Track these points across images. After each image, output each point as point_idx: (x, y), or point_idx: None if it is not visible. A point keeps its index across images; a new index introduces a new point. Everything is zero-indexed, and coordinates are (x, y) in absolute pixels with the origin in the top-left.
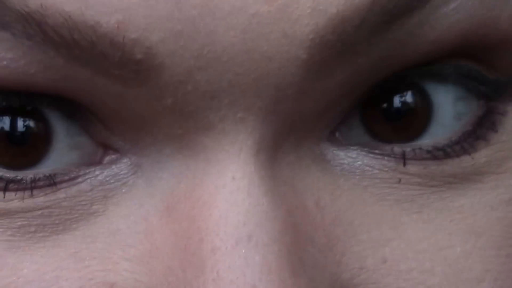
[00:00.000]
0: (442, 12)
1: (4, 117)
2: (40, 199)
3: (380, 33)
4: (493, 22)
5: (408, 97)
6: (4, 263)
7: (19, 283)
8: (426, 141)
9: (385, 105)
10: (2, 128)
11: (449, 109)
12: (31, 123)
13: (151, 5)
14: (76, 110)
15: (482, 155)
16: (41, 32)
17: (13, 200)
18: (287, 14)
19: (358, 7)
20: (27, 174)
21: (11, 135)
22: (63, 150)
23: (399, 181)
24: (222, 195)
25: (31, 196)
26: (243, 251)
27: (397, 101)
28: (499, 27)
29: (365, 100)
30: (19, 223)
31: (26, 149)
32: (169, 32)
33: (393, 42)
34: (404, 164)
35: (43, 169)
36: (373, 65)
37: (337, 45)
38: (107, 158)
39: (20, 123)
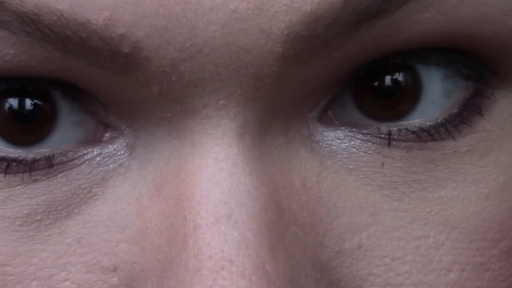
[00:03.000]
0: (414, 19)
1: (10, 96)
2: (42, 183)
3: (352, 31)
4: (468, 33)
5: (398, 76)
6: (16, 253)
7: (31, 270)
8: (416, 120)
9: (376, 83)
10: (10, 106)
11: (438, 86)
12: (37, 101)
13: (137, 2)
14: (76, 90)
15: (465, 143)
16: (37, 30)
17: (16, 187)
18: (264, 11)
19: (331, 6)
20: (29, 154)
21: (18, 113)
22: (67, 127)
23: (382, 164)
24: (205, 175)
25: (32, 180)
26: (222, 228)
27: (387, 79)
28: (474, 39)
29: (357, 78)
30: (26, 212)
31: (33, 127)
32: (154, 28)
33: (366, 39)
34: (389, 145)
35: (49, 145)
36: (348, 57)
37: (310, 40)
38: (107, 135)
39: (26, 102)
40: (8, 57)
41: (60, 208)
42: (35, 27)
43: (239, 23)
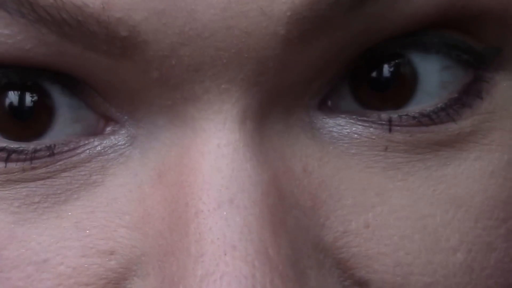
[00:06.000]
0: None
1: (8, 92)
2: (41, 170)
3: (356, 8)
4: (470, 4)
5: (393, 67)
6: (13, 236)
7: (27, 254)
8: (413, 108)
9: (373, 74)
10: (9, 103)
11: (434, 78)
12: (34, 98)
13: None
14: (76, 84)
15: (468, 124)
16: (33, 11)
17: (15, 173)
18: None
19: None
20: (29, 145)
21: (16, 109)
22: (65, 123)
23: (386, 148)
24: (207, 161)
25: (32, 167)
26: (225, 213)
27: (383, 70)
28: (475, 12)
29: (353, 69)
30: (24, 193)
31: (31, 122)
32: (152, 11)
33: (370, 16)
34: (390, 130)
35: (46, 140)
36: (352, 38)
37: (314, 21)
38: (108, 129)
39: (24, 98)
40: (3, 38)
41: (58, 192)
42: (31, 9)
43: (239, 5)
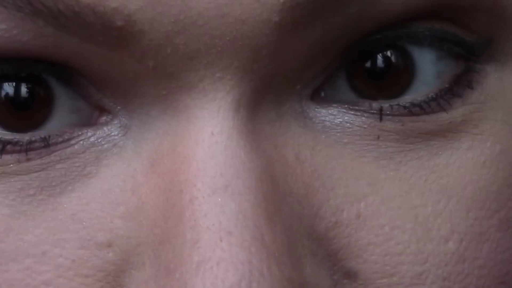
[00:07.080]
0: None
1: (4, 83)
2: (36, 161)
3: None
4: None
5: (390, 57)
6: (10, 229)
7: (24, 247)
8: (406, 97)
9: (368, 64)
10: (6, 93)
11: (430, 67)
12: (33, 88)
13: None
14: (70, 75)
15: (458, 114)
16: (29, 4)
17: (10, 165)
18: None
19: None
20: (24, 137)
21: (14, 100)
22: (63, 113)
23: (378, 137)
24: (201, 149)
25: (27, 159)
26: (219, 199)
27: (379, 60)
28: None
29: (349, 59)
30: (19, 186)
31: (29, 113)
32: (147, 0)
33: (363, 3)
34: (381, 119)
35: (41, 131)
36: (345, 25)
37: (307, 7)
38: (102, 119)
39: (22, 88)
40: None
41: (53, 184)
42: (27, 2)
43: None
